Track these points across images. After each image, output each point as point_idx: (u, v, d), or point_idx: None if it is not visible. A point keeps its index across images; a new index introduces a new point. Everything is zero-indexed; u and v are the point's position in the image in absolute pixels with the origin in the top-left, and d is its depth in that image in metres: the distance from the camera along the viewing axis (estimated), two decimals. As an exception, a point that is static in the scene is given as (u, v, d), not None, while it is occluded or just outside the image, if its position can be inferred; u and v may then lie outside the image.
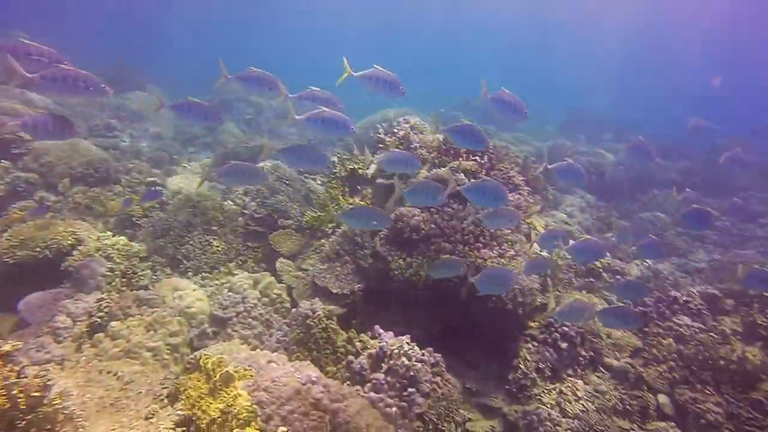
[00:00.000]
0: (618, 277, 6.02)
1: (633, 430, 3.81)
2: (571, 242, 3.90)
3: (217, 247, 4.74)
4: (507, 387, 3.74)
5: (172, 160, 7.77)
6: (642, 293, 4.05)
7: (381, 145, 5.01)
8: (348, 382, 3.35)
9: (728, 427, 3.69)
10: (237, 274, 4.45)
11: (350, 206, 3.79)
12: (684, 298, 5.22)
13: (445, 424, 3.19)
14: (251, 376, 2.64)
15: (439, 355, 3.48)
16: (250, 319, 3.89)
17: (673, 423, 3.81)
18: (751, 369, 3.93)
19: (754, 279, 3.81)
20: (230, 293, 4.06)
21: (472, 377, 3.70)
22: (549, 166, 3.72)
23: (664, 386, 4.09)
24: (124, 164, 6.29)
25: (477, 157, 4.31)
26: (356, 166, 5.26)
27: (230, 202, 5.63)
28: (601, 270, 5.92)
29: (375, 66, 3.23)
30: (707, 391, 3.91)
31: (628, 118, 18.87)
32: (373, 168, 4.92)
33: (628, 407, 3.96)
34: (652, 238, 4.22)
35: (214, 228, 4.93)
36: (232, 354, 2.94)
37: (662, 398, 4.02)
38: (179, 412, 2.13)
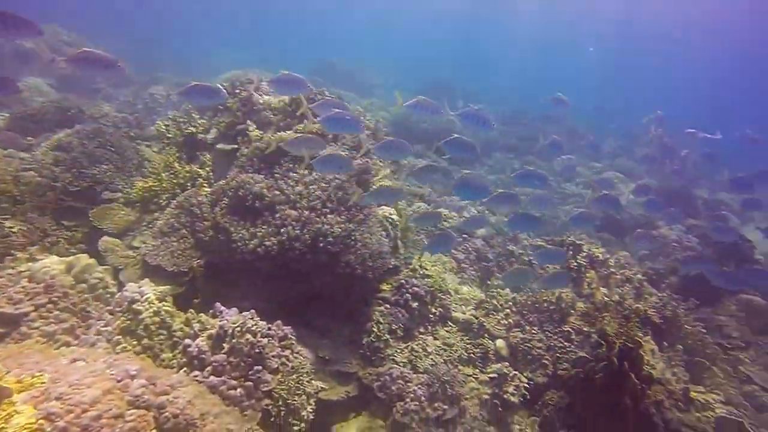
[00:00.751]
0: (465, 236, 6.49)
1: (475, 374, 4.16)
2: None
3: (11, 228, 3.82)
4: (361, 351, 3.73)
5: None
6: (561, 259, 4.70)
7: (222, 107, 4.51)
8: (185, 369, 2.99)
9: (547, 357, 4.24)
10: (41, 260, 3.65)
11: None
12: (519, 251, 5.82)
13: (296, 398, 3.05)
14: (42, 383, 2.13)
15: (289, 327, 3.30)
16: (57, 312, 3.21)
17: (507, 363, 4.24)
18: (564, 307, 4.55)
19: (640, 240, 5.26)
20: (28, 283, 3.30)
21: (326, 346, 3.61)
22: (512, 174, 4.59)
23: (501, 332, 4.51)
24: None
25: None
26: (195, 130, 4.66)
27: (33, 173, 4.58)
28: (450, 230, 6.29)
29: (419, 97, 3.95)
30: (534, 331, 4.42)
31: (483, 88, 20.48)
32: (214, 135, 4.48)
33: (471, 355, 4.29)
34: (581, 210, 4.80)
35: (5, 206, 3.96)
36: (19, 359, 2.35)
37: (499, 343, 4.44)
38: None
